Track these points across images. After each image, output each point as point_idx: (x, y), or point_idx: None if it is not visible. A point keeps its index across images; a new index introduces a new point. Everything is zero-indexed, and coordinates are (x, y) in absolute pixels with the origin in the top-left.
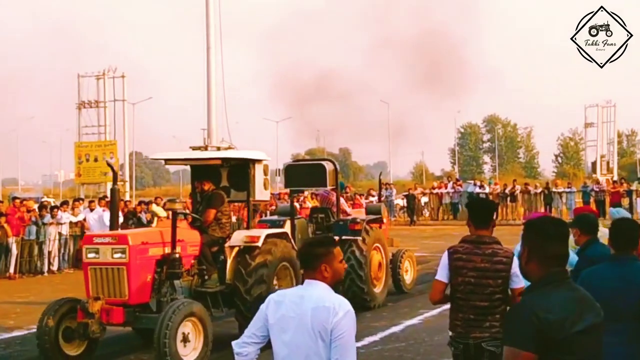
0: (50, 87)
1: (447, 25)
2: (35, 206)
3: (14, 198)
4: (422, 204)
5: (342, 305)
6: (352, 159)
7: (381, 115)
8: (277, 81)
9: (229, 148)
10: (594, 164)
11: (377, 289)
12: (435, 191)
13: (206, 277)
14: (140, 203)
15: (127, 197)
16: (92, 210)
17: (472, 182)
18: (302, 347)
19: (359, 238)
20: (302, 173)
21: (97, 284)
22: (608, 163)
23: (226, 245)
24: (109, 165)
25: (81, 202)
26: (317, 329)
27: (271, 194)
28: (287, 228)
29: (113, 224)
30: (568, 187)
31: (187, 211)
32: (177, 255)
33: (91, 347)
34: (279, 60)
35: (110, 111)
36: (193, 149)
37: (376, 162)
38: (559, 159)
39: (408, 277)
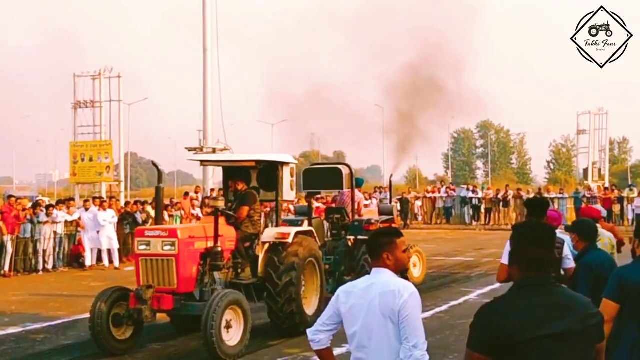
0: (46, 87)
1: (443, 34)
2: (29, 205)
3: (9, 196)
4: (417, 208)
5: (407, 288)
6: (347, 162)
7: (377, 119)
8: (272, 84)
9: (225, 149)
10: (585, 170)
11: None
12: (428, 195)
13: (240, 270)
14: (136, 203)
15: (122, 197)
16: (87, 209)
17: (465, 187)
18: (374, 331)
19: None
20: (320, 176)
21: (147, 274)
22: (600, 170)
23: (260, 241)
24: (154, 165)
25: (73, 202)
26: (386, 312)
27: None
28: (304, 227)
29: (158, 219)
30: (560, 193)
31: (222, 208)
32: (219, 249)
33: (137, 332)
34: (274, 63)
35: (106, 111)
36: (189, 150)
37: (370, 165)
38: (551, 165)
39: (416, 270)
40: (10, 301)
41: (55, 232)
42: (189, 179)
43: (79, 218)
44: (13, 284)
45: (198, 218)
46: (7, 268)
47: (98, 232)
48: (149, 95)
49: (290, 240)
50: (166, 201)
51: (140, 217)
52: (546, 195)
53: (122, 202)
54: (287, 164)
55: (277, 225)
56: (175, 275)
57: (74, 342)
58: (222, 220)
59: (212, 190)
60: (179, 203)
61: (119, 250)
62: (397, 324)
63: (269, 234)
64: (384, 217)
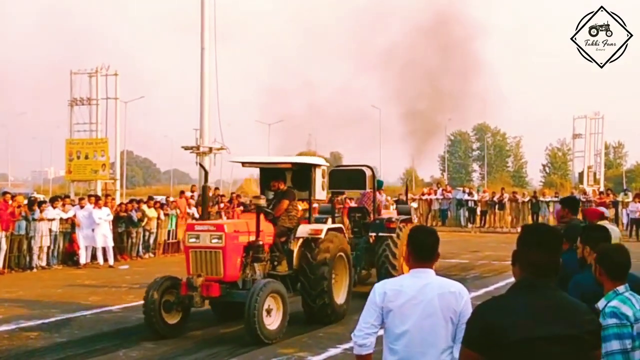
0: (43, 84)
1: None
2: (24, 202)
3: (4, 193)
4: (412, 210)
5: (464, 290)
6: (343, 163)
7: (374, 120)
8: (270, 83)
9: (221, 149)
10: (581, 174)
11: None
12: (424, 197)
13: (276, 263)
14: (131, 201)
15: (118, 196)
16: (82, 207)
17: (461, 189)
18: (428, 329)
19: (394, 234)
20: (345, 177)
21: (196, 264)
22: (595, 174)
23: (294, 236)
24: (201, 166)
25: (68, 199)
26: (447, 312)
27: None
28: (335, 224)
29: (204, 214)
30: (555, 197)
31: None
32: (260, 243)
33: (185, 318)
34: (273, 63)
35: (102, 109)
36: (185, 149)
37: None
38: (547, 168)
39: None
40: (3, 298)
41: (50, 230)
42: (185, 178)
43: (74, 215)
44: (6, 281)
45: (194, 217)
46: (0, 265)
47: (93, 230)
48: (145, 93)
49: (322, 236)
50: (162, 200)
51: (135, 216)
52: (541, 198)
53: (117, 201)
54: (319, 165)
55: (309, 222)
56: (222, 266)
57: (67, 339)
58: (261, 216)
59: (209, 189)
60: (174, 202)
61: (114, 248)
62: (456, 324)
63: (303, 230)
64: (403, 217)
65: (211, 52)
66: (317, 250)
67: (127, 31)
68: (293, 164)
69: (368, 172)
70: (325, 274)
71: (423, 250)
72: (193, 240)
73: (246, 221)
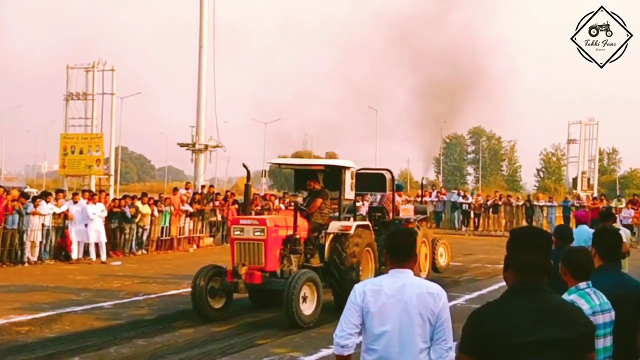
0: (39, 78)
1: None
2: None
3: None
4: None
5: (442, 292)
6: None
7: (371, 121)
8: (267, 83)
9: (217, 146)
10: (574, 179)
11: (422, 274)
12: (419, 199)
13: (309, 256)
14: (124, 197)
15: (112, 191)
16: (75, 202)
17: (456, 192)
18: (406, 330)
19: None
20: (366, 179)
21: (240, 254)
22: (588, 180)
23: (326, 232)
24: (244, 166)
25: (61, 194)
26: (425, 313)
27: (256, 194)
28: (363, 222)
29: (246, 210)
30: (549, 201)
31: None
32: (297, 237)
33: (228, 303)
34: (271, 61)
35: (98, 104)
36: (181, 146)
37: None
38: (541, 173)
39: (442, 260)
40: None
41: (42, 225)
42: (180, 175)
43: (67, 210)
44: None
45: (187, 214)
46: None
47: (86, 225)
48: (142, 89)
49: (352, 231)
50: (155, 196)
51: (129, 212)
52: (535, 202)
53: (111, 196)
54: (348, 168)
55: (339, 220)
56: (263, 256)
57: (57, 335)
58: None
59: (203, 186)
60: (168, 199)
61: (106, 244)
62: (434, 324)
63: (334, 226)
64: (420, 216)
65: (209, 49)
66: (347, 244)
67: (126, 27)
68: (326, 166)
69: (388, 176)
70: (355, 264)
71: (400, 251)
72: (238, 232)
73: (285, 217)
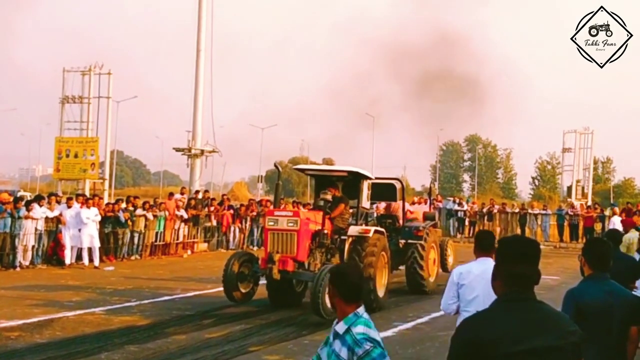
0: (33, 80)
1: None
2: (11, 199)
3: None
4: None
5: None
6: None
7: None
8: (265, 86)
9: (213, 151)
10: (569, 188)
11: (431, 279)
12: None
13: (330, 255)
14: (117, 202)
15: (106, 196)
16: (69, 207)
17: (452, 199)
18: (489, 296)
19: (422, 241)
20: (378, 189)
21: (274, 244)
22: (583, 188)
23: (346, 234)
24: (275, 166)
25: (54, 197)
26: None
27: (252, 200)
28: (379, 228)
29: (276, 204)
30: (544, 209)
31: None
32: (325, 231)
33: (254, 288)
34: (269, 64)
35: (94, 107)
36: (176, 150)
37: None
38: (536, 181)
39: (450, 259)
40: None
41: (35, 229)
42: (175, 180)
43: (60, 214)
44: None
45: (182, 219)
46: None
47: (80, 229)
48: (139, 93)
49: (370, 235)
50: (150, 201)
51: (122, 216)
52: (530, 211)
53: (105, 200)
54: (367, 177)
55: (356, 224)
56: (295, 246)
57: (48, 340)
58: (321, 214)
59: (197, 192)
60: (163, 203)
61: (100, 249)
62: None
63: (354, 229)
64: (430, 222)
65: (207, 54)
66: (366, 245)
67: (123, 31)
68: (349, 172)
69: (398, 185)
70: (372, 263)
71: (483, 244)
72: (272, 223)
73: (314, 213)
